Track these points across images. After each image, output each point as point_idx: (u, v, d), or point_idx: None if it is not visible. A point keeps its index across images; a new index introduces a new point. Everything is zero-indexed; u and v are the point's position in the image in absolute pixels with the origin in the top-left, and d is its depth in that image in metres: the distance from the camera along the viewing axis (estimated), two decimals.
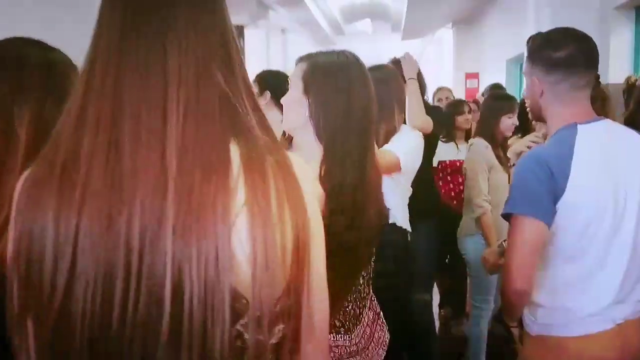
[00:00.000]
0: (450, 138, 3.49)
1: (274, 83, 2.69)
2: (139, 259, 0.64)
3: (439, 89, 4.45)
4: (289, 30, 9.51)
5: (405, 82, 2.54)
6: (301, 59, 1.43)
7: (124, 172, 0.65)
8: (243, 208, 0.66)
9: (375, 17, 10.06)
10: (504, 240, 2.09)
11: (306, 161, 1.26)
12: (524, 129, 3.01)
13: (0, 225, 0.88)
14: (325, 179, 1.29)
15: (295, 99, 1.38)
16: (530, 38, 1.51)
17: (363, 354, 1.45)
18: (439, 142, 3.29)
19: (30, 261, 0.66)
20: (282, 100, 1.47)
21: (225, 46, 0.75)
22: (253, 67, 9.82)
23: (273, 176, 0.70)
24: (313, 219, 0.74)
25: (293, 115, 1.41)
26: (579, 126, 1.38)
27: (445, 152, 3.42)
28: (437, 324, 4.14)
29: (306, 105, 1.35)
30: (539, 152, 1.45)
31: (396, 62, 2.76)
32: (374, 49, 14.06)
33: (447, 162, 3.52)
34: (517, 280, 1.34)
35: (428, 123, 2.50)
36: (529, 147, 2.32)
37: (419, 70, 2.73)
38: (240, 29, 7.77)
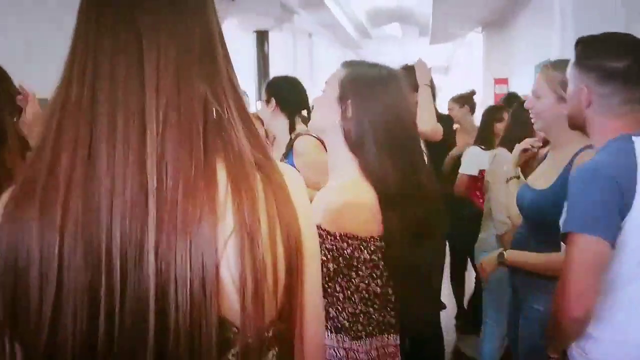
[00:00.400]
0: (489, 146, 3.32)
1: (281, 89, 2.62)
2: (121, 280, 0.61)
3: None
4: (315, 34, 9.45)
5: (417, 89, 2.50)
6: (344, 65, 1.44)
7: (102, 190, 0.62)
8: (231, 234, 0.63)
9: (402, 21, 9.92)
10: (504, 250, 1.99)
11: (332, 165, 1.39)
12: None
13: None
14: (378, 190, 1.28)
15: (328, 102, 1.38)
16: (579, 41, 1.37)
17: None
18: (480, 151, 3.15)
19: (17, 286, 0.63)
20: (314, 100, 1.50)
21: (210, 53, 0.70)
22: (279, 72, 9.78)
23: (263, 194, 0.66)
24: (307, 235, 0.71)
25: (321, 117, 1.44)
26: (634, 137, 1.25)
27: (485, 160, 3.27)
28: (453, 335, 4.02)
29: (338, 111, 1.35)
30: (601, 163, 1.28)
31: (407, 68, 2.69)
32: (401, 53, 13.97)
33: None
34: (578, 307, 1.21)
35: (437, 131, 2.49)
36: (525, 151, 2.17)
37: (431, 78, 2.68)
38: (265, 34, 7.74)
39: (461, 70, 12.86)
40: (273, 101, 2.55)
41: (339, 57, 12.43)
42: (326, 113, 1.38)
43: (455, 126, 4.19)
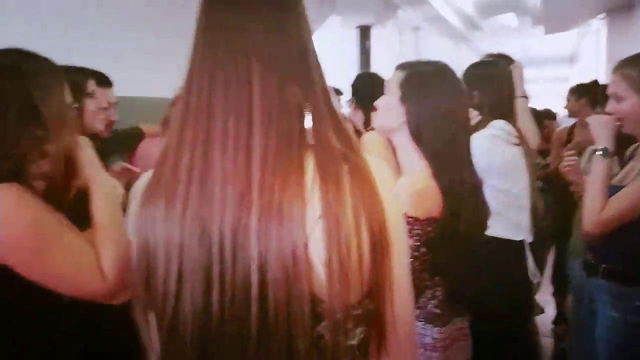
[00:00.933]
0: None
1: (359, 86, 2.75)
2: (231, 258, 0.72)
3: None
4: (421, 28, 9.31)
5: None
6: (398, 68, 1.58)
7: (215, 183, 0.74)
8: (319, 217, 0.72)
9: (514, 10, 9.43)
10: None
11: (405, 162, 1.54)
12: None
13: None
14: (438, 180, 1.45)
15: (390, 104, 1.53)
16: None
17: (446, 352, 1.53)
18: None
19: (148, 269, 0.78)
20: (377, 103, 1.60)
21: (304, 54, 0.82)
22: (383, 68, 9.75)
23: (349, 183, 0.74)
24: (393, 223, 0.78)
25: (385, 119, 1.56)
26: None
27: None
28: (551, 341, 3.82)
29: (401, 112, 1.50)
30: None
31: (505, 58, 2.65)
32: (518, 43, 13.22)
33: None
34: None
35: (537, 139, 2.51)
36: None
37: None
38: (367, 29, 7.79)
39: (588, 61, 11.89)
40: (353, 98, 2.71)
41: (446, 50, 12.12)
42: (390, 114, 1.52)
43: (570, 119, 3.94)
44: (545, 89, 33.08)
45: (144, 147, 2.67)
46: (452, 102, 1.51)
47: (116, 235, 1.16)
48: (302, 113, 0.78)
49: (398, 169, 1.58)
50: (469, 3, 8.92)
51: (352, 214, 0.72)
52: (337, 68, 8.97)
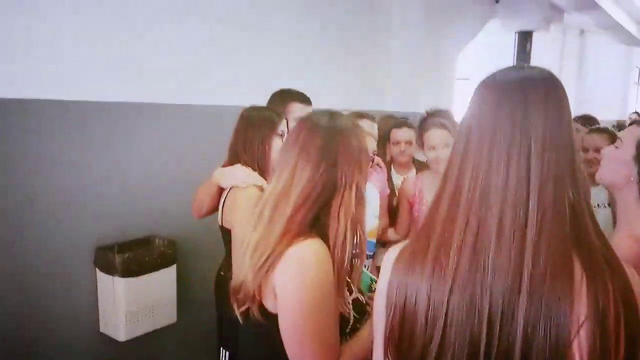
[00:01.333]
0: None
1: None
2: (498, 337, 0.77)
3: None
4: (588, 31, 8.72)
5: None
6: (637, 123, 1.46)
7: (488, 264, 0.79)
8: (585, 318, 0.75)
9: None
10: None
11: (622, 216, 1.41)
12: None
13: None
14: None
15: (621, 158, 1.41)
16: None
17: None
18: None
19: (404, 321, 0.85)
20: (605, 152, 1.50)
21: (573, 156, 0.83)
22: None
23: (612, 289, 0.76)
24: None
25: (612, 172, 1.44)
26: None
27: None
28: None
29: (633, 168, 1.38)
30: None
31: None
32: None
33: None
34: None
35: None
36: None
37: None
38: (528, 34, 7.53)
39: None
40: None
41: (617, 55, 11.12)
42: (619, 168, 1.41)
43: None
44: None
45: None
46: None
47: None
48: (571, 213, 0.80)
49: None
50: None
51: (614, 322, 0.75)
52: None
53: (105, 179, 2.58)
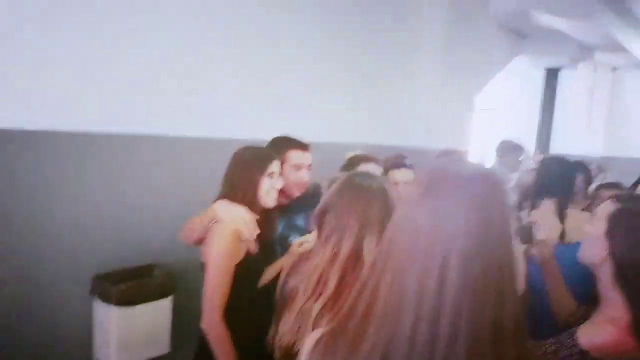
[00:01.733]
0: None
1: None
2: None
3: None
4: (619, 69, 8.56)
5: None
6: (613, 200, 1.42)
7: None
8: None
9: None
10: None
11: (602, 294, 1.35)
12: None
13: None
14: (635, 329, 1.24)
15: (594, 235, 1.37)
16: None
17: None
18: None
19: None
20: (585, 229, 1.45)
21: (502, 268, 0.77)
22: (570, 111, 9.08)
23: None
24: None
25: (587, 250, 1.41)
26: None
27: None
28: None
29: (605, 246, 1.34)
30: None
31: None
32: None
33: None
34: None
35: None
36: None
37: None
38: (555, 71, 7.47)
39: None
40: None
41: None
42: (594, 247, 1.37)
43: None
44: None
45: None
46: None
47: None
48: (492, 334, 0.75)
49: None
50: None
51: None
52: (519, 110, 8.72)
53: (105, 207, 2.70)
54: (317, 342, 0.87)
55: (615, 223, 1.33)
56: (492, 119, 9.27)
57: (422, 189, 0.80)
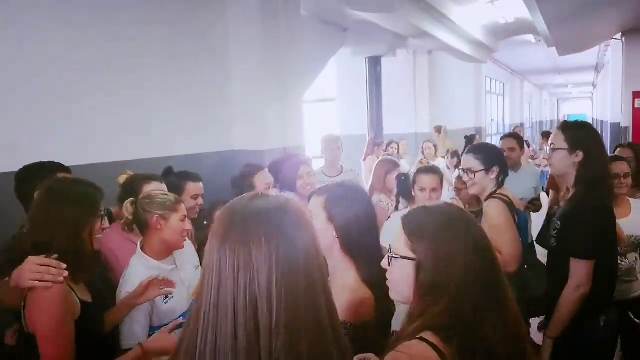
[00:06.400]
0: None
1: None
2: None
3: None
4: (435, 50, 9.42)
5: None
6: (316, 193, 1.77)
7: None
8: None
9: (527, 33, 9.42)
10: None
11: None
12: None
13: None
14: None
15: (320, 224, 1.67)
16: None
17: None
18: None
19: None
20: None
21: (314, 293, 0.84)
22: (396, 93, 9.79)
23: None
24: None
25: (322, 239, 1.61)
26: None
27: None
28: None
29: (331, 229, 1.68)
30: None
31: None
32: (542, 55, 13.08)
33: None
34: None
35: None
36: None
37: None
38: (377, 58, 7.98)
39: (613, 70, 11.74)
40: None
41: (467, 68, 12.14)
42: (326, 235, 1.67)
43: None
44: (576, 92, 32.52)
45: None
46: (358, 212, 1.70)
47: None
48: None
49: None
50: (479, 30, 8.96)
51: None
52: (351, 99, 9.22)
53: None
54: None
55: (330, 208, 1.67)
56: (327, 111, 9.68)
57: (222, 230, 0.84)
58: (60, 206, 1.71)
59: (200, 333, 0.80)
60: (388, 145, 6.86)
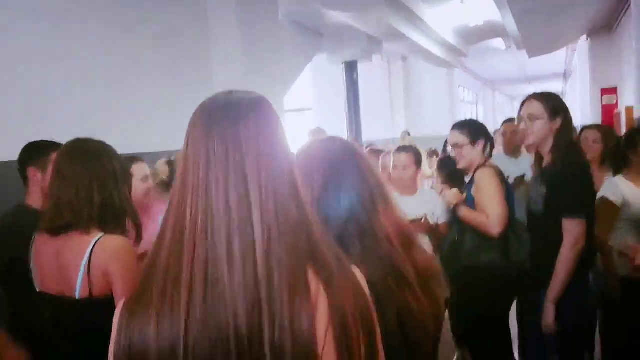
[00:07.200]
0: None
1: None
2: (250, 357, 0.75)
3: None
4: (409, 56, 9.62)
5: None
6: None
7: (224, 291, 0.76)
8: (328, 324, 0.78)
9: (499, 36, 9.70)
10: None
11: None
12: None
13: None
14: None
15: None
16: None
17: None
18: None
19: None
20: None
21: (291, 173, 0.85)
22: (373, 98, 9.90)
23: (347, 294, 0.80)
24: (377, 329, 0.84)
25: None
26: None
27: None
28: None
29: None
30: None
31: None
32: (512, 63, 13.43)
33: None
34: None
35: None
36: None
37: None
38: (353, 64, 8.11)
39: (581, 76, 12.14)
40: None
41: (441, 76, 12.39)
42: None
43: None
44: None
45: None
46: None
47: None
48: (298, 227, 0.81)
49: None
50: (450, 34, 9.18)
51: (353, 322, 0.79)
52: (330, 105, 9.31)
53: None
54: (123, 305, 0.82)
55: None
56: (304, 120, 9.74)
57: (204, 119, 0.85)
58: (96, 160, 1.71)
59: (190, 209, 0.80)
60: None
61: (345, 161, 1.20)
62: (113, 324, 0.82)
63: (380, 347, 0.85)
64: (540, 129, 2.39)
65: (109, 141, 1.81)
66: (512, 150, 3.82)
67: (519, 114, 2.50)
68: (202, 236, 0.78)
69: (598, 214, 2.48)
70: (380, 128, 9.71)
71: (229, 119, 0.83)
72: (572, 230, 2.25)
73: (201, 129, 0.83)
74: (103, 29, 3.60)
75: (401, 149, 3.21)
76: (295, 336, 0.75)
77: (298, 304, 0.76)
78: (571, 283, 2.28)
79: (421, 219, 2.71)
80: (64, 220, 1.64)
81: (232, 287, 0.75)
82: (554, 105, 2.40)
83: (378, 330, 0.84)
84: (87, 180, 1.66)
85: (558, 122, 2.36)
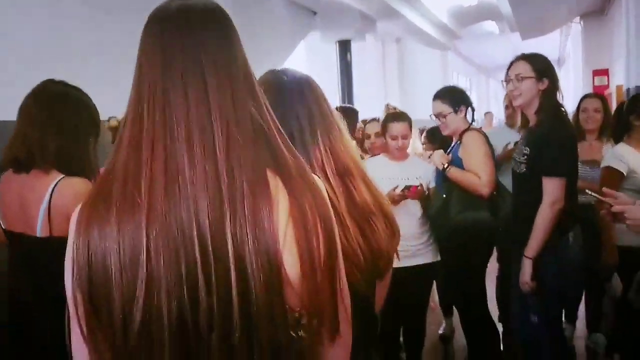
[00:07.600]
0: None
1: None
2: (214, 258, 0.74)
3: None
4: (403, 38, 9.61)
5: None
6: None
7: (185, 186, 0.75)
8: (288, 218, 0.78)
9: (490, 18, 9.70)
10: None
11: None
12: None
13: None
14: None
15: None
16: None
17: None
18: None
19: (93, 284, 0.75)
20: None
21: (248, 77, 0.86)
22: (366, 81, 9.86)
23: (306, 193, 0.81)
24: (335, 232, 0.85)
25: None
26: None
27: None
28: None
29: None
30: None
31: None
32: (505, 48, 13.45)
33: None
34: None
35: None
36: None
37: None
38: (347, 43, 8.08)
39: (574, 62, 12.18)
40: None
41: (434, 59, 12.41)
42: None
43: None
44: None
45: None
46: None
47: None
48: (256, 127, 0.81)
49: None
50: (444, 14, 9.18)
51: (312, 219, 0.79)
52: (320, 82, 9.21)
53: None
54: (81, 208, 0.80)
55: None
56: None
57: (158, 23, 0.85)
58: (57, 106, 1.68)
59: (147, 109, 0.80)
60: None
61: (293, 90, 1.21)
62: (70, 225, 0.80)
63: (340, 251, 0.85)
64: (528, 89, 2.42)
65: None
66: (511, 122, 3.86)
67: (507, 75, 2.53)
68: (160, 133, 0.77)
69: (603, 184, 2.52)
70: (374, 110, 9.70)
71: (183, 24, 0.82)
72: (551, 189, 2.30)
73: (156, 33, 0.83)
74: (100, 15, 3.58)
75: (396, 117, 3.04)
76: (257, 229, 0.75)
77: (259, 197, 0.76)
78: (551, 244, 2.33)
79: (417, 186, 2.73)
80: (17, 155, 1.63)
81: (192, 183, 0.75)
82: (541, 66, 2.44)
83: (337, 232, 0.84)
84: (40, 123, 1.62)
85: (545, 82, 2.40)
